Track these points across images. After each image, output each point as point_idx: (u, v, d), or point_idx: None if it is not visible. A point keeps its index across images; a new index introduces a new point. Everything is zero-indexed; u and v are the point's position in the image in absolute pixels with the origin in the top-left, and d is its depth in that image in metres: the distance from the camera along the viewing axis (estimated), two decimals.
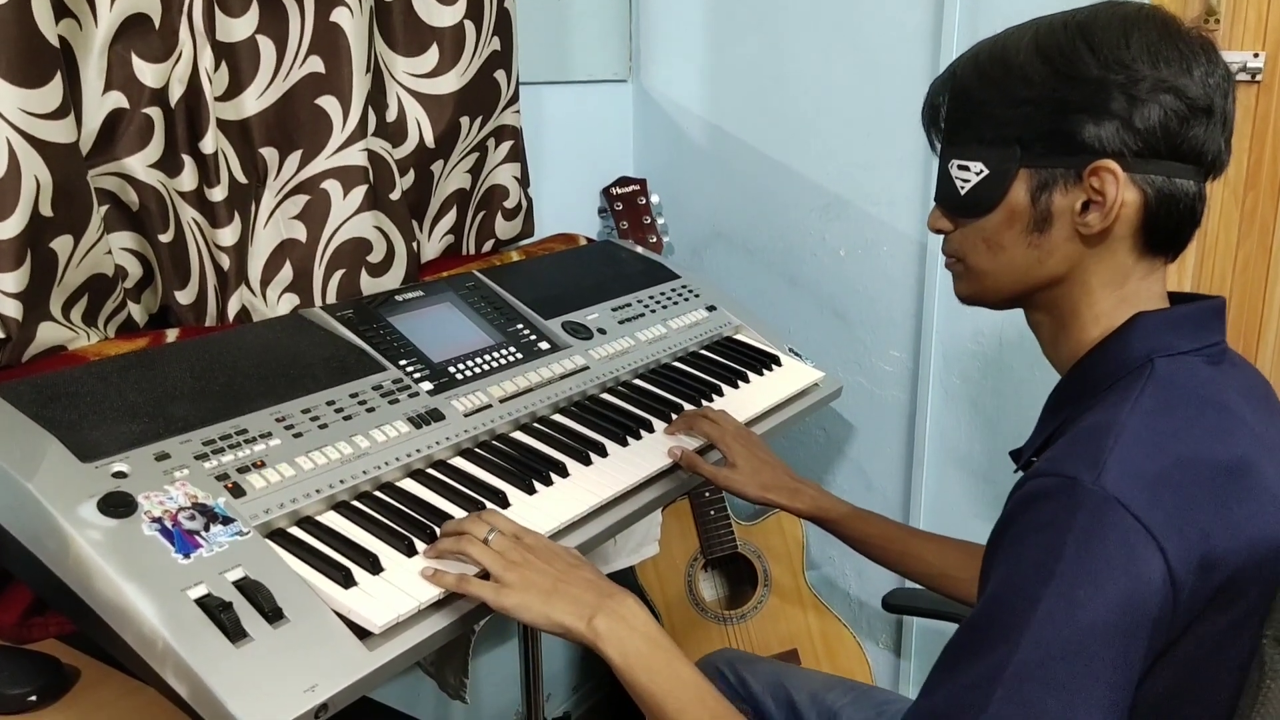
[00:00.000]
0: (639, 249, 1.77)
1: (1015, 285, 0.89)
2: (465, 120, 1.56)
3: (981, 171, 0.87)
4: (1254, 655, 0.78)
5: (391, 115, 1.50)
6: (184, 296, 1.26)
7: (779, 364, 1.56)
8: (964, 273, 0.93)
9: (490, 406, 1.21)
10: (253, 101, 1.30)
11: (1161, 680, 0.74)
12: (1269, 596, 0.77)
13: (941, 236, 0.94)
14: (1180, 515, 0.72)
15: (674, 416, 1.31)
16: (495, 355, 1.29)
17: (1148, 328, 0.84)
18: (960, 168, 0.88)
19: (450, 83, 1.52)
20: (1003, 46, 0.86)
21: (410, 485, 1.07)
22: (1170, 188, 0.81)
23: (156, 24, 1.17)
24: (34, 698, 0.94)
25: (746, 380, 1.49)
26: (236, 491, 0.94)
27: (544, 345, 1.36)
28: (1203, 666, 0.76)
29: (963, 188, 0.88)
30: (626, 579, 1.94)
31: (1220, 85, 0.81)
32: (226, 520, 0.90)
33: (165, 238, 1.23)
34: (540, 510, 1.07)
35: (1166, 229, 0.83)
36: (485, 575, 0.92)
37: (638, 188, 1.94)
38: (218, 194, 1.25)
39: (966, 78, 0.88)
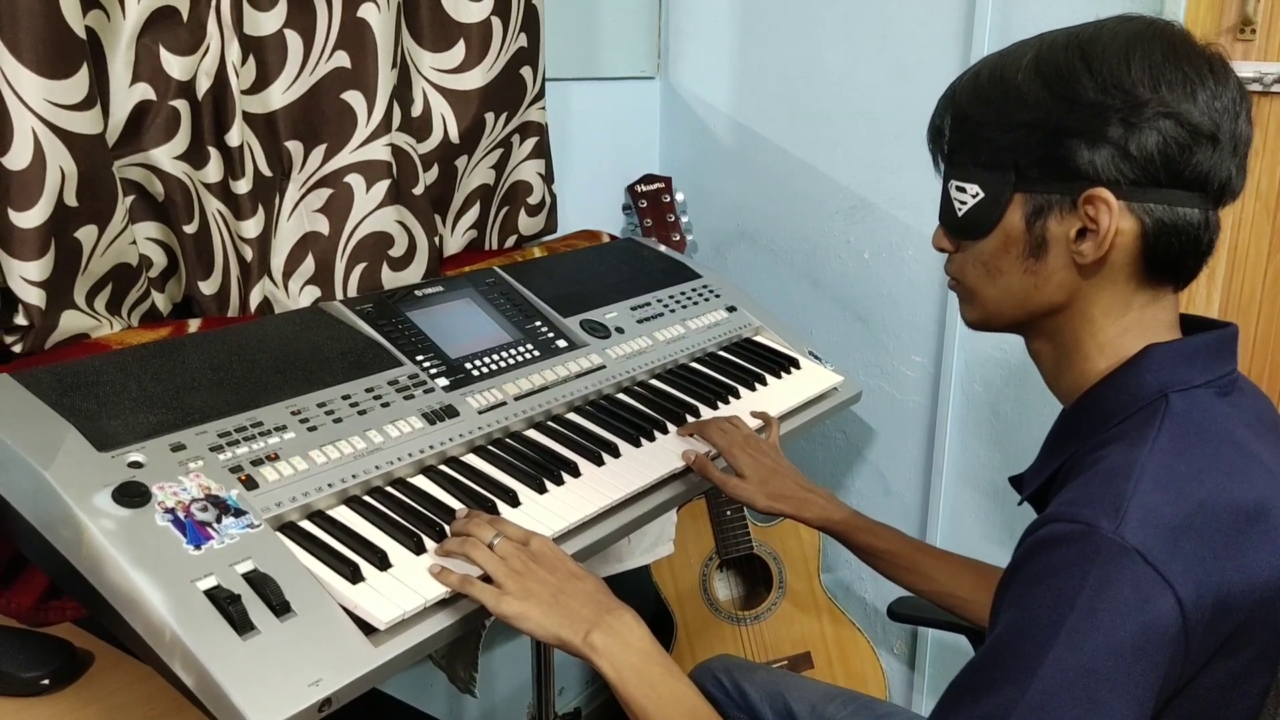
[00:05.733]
0: (661, 247, 1.76)
1: (1015, 311, 0.87)
2: (490, 116, 1.57)
3: (977, 194, 0.84)
4: (1264, 695, 0.77)
5: (417, 110, 1.50)
6: (207, 287, 1.28)
7: (798, 367, 1.55)
8: (965, 296, 0.91)
9: (505, 404, 1.21)
10: (279, 95, 1.31)
11: None
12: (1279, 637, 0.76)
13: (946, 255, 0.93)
14: (1199, 563, 0.70)
15: (689, 419, 1.31)
16: (512, 352, 1.30)
17: (1160, 360, 0.81)
18: (958, 189, 0.86)
19: (476, 79, 1.53)
20: (1003, 66, 0.83)
21: (422, 482, 1.08)
22: (1171, 217, 0.78)
23: (184, 17, 1.18)
24: (47, 681, 0.96)
25: (764, 383, 1.48)
26: (249, 484, 0.95)
27: (561, 343, 1.36)
28: (1212, 708, 0.75)
29: (960, 209, 0.86)
30: (640, 577, 1.94)
31: (1230, 108, 0.77)
32: (238, 512, 0.91)
33: (190, 229, 1.24)
34: (551, 510, 1.07)
35: (1167, 259, 0.80)
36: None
37: (662, 185, 1.94)
38: (242, 186, 1.26)
39: (966, 99, 0.85)
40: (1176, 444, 0.76)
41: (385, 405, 1.12)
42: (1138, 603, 0.68)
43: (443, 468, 1.11)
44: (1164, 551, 0.69)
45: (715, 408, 1.38)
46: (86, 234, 1.12)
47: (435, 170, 1.54)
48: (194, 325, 1.24)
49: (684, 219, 1.92)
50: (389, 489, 1.05)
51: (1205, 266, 0.84)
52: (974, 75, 0.85)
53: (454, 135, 1.54)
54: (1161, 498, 0.72)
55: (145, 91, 1.17)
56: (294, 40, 1.30)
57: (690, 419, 1.31)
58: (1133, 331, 0.83)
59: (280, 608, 0.84)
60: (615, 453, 1.20)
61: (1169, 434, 0.76)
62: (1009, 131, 0.81)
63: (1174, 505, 0.72)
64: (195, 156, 1.23)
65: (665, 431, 1.28)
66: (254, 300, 1.32)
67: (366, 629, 0.87)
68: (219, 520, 0.90)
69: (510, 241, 1.72)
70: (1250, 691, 0.76)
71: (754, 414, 1.35)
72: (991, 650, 0.73)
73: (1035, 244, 0.83)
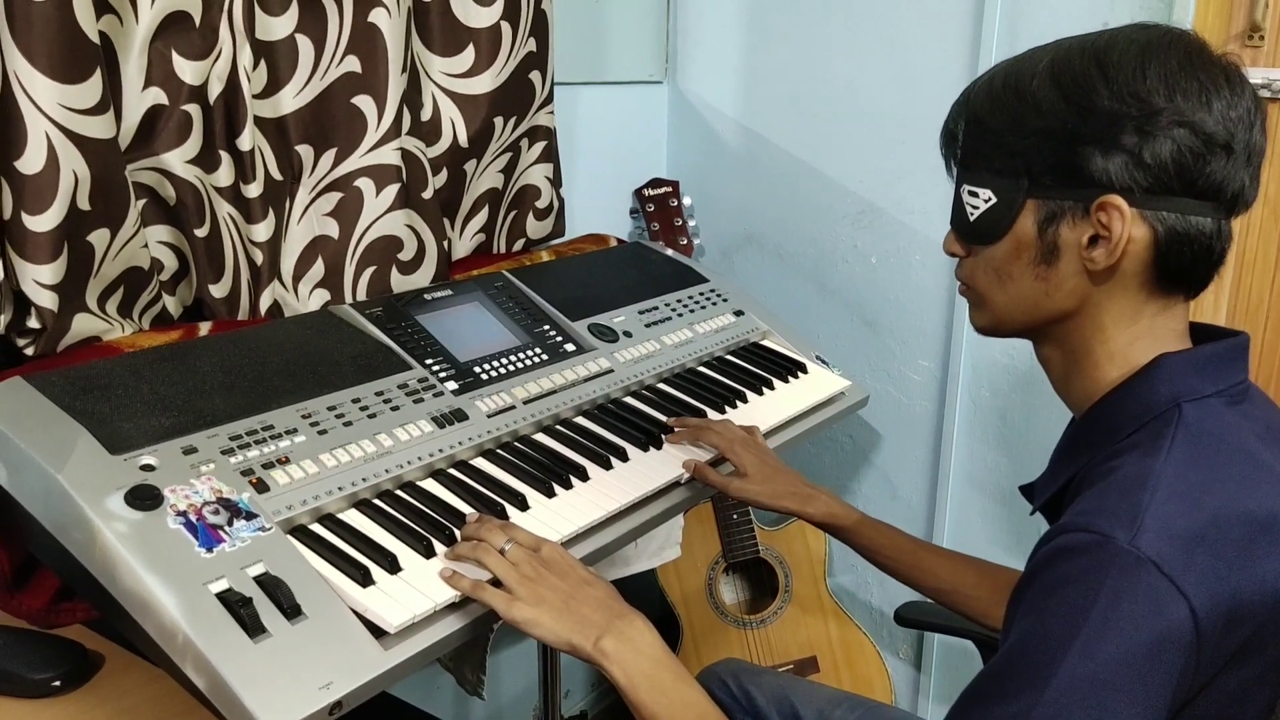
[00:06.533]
0: (669, 251, 1.77)
1: (1025, 317, 0.87)
2: (499, 120, 1.57)
3: (990, 199, 0.84)
4: (1274, 704, 0.77)
5: (426, 114, 1.51)
6: (218, 290, 1.28)
7: (805, 371, 1.55)
8: (975, 301, 0.91)
9: (514, 408, 1.22)
10: (290, 99, 1.32)
11: None
12: None
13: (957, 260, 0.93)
14: (1213, 574, 0.71)
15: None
16: (521, 356, 1.30)
17: (1172, 370, 0.81)
18: (970, 193, 0.86)
19: (485, 83, 1.53)
20: (1018, 72, 0.83)
21: (431, 485, 1.08)
22: (1183, 225, 0.78)
23: (197, 22, 1.18)
24: (58, 683, 0.96)
25: (771, 387, 1.48)
26: (261, 487, 0.96)
27: (569, 347, 1.36)
28: (1223, 717, 0.75)
29: (972, 214, 0.86)
30: (646, 581, 1.94)
31: (1244, 118, 0.77)
32: (250, 515, 0.92)
33: (201, 232, 1.25)
34: (559, 514, 1.08)
35: (1179, 268, 0.80)
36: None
37: (670, 189, 1.94)
38: (253, 190, 1.27)
39: (980, 104, 0.85)
40: (1190, 454, 0.76)
41: (395, 409, 1.12)
42: (1152, 613, 0.69)
43: (452, 471, 1.11)
44: (1179, 562, 0.70)
45: (723, 412, 1.38)
46: (99, 237, 1.12)
47: (444, 174, 1.54)
48: (204, 328, 1.24)
49: (691, 223, 1.92)
50: (398, 492, 1.06)
51: (1216, 275, 0.84)
52: (989, 80, 0.85)
53: (463, 139, 1.54)
54: (1176, 508, 0.72)
55: (157, 96, 1.18)
56: (305, 45, 1.31)
57: (676, 429, 1.30)
58: (1143, 340, 0.83)
59: (291, 611, 0.85)
60: (623, 457, 1.21)
61: (1182, 444, 0.77)
62: (1023, 137, 0.82)
63: (1188, 516, 0.72)
64: (206, 160, 1.23)
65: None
66: (264, 304, 1.32)
67: (377, 632, 0.87)
68: (230, 523, 0.90)
69: (518, 245, 1.72)
70: (1261, 700, 0.76)
71: (743, 428, 1.33)
72: (1005, 659, 0.74)
73: (1047, 250, 0.83)
